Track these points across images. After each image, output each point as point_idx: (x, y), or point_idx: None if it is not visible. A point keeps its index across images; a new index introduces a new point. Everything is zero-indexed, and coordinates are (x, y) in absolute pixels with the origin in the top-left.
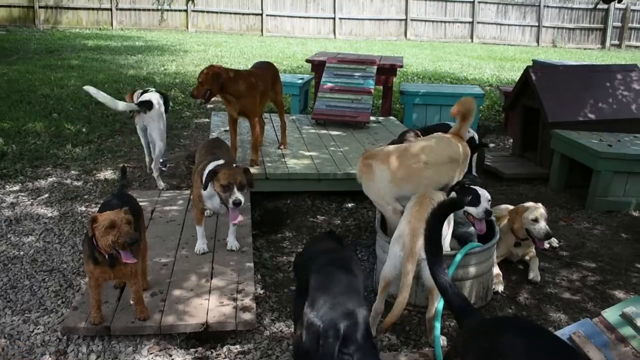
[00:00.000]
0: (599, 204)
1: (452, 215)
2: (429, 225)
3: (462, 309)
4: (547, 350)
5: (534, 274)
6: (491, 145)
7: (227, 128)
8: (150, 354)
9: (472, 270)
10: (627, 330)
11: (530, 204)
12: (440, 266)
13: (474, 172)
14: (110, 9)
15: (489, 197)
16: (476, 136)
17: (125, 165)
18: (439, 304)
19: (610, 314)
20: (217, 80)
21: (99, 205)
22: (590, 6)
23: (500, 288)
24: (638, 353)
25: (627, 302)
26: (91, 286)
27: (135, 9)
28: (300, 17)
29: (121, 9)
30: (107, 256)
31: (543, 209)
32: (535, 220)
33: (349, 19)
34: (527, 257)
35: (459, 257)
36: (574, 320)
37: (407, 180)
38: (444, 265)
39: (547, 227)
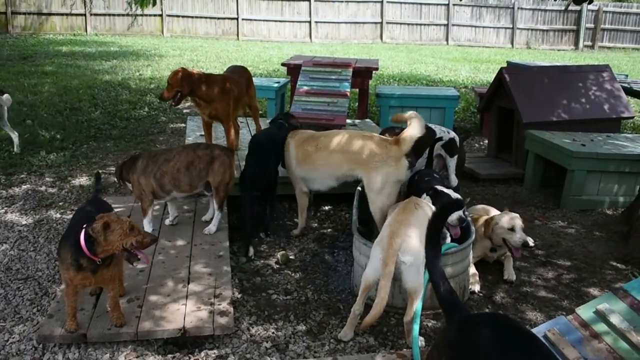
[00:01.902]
0: (573, 202)
1: None
2: (430, 225)
3: (451, 305)
4: (523, 348)
5: (509, 273)
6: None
7: (203, 133)
8: None
9: (448, 270)
10: (600, 327)
11: (505, 213)
12: (436, 264)
13: (453, 175)
14: (84, 15)
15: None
16: (457, 138)
17: (99, 171)
18: (417, 306)
19: (584, 311)
20: (187, 82)
21: (73, 212)
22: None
23: (476, 288)
24: (612, 349)
25: (600, 299)
26: (68, 294)
27: (109, 14)
28: (276, 21)
29: (95, 15)
30: (99, 261)
31: (518, 219)
32: (512, 229)
33: (324, 22)
34: (502, 257)
35: None
36: (549, 318)
37: (304, 161)
38: (440, 263)
39: (524, 235)
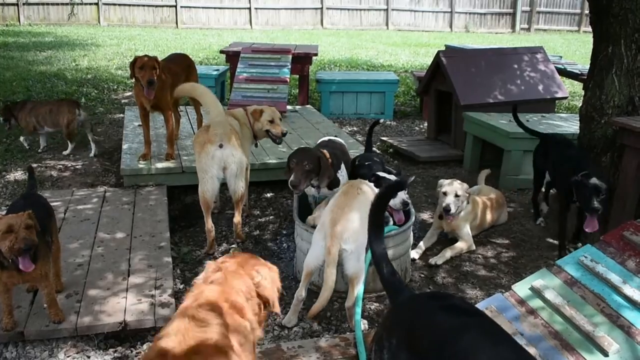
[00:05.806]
0: (511, 182)
1: None
2: (373, 208)
3: (395, 286)
4: (467, 321)
5: (435, 259)
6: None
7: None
8: (68, 357)
9: (389, 252)
10: (536, 303)
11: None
12: (379, 246)
13: None
14: (17, 4)
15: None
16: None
17: (32, 165)
18: (359, 290)
19: (520, 288)
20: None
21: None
22: None
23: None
24: (547, 324)
25: (535, 276)
26: (0, 292)
27: (43, 4)
28: (215, 8)
29: (28, 4)
30: (10, 261)
31: (448, 184)
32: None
33: (264, 8)
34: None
35: None
36: (489, 295)
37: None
38: (383, 246)
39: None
